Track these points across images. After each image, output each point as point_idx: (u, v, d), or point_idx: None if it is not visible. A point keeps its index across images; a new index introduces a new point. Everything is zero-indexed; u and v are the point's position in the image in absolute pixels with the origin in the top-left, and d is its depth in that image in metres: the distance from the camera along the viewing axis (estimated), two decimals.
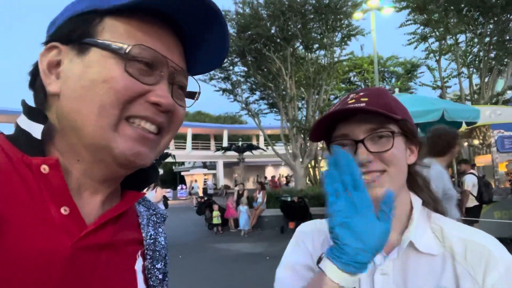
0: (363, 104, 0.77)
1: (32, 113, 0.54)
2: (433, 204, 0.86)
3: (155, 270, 0.65)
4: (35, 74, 0.56)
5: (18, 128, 0.54)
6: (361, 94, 0.81)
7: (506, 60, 12.92)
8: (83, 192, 0.54)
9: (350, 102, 0.80)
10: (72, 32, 0.53)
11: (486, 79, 13.07)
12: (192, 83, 0.63)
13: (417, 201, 0.83)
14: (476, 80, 13.76)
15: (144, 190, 0.67)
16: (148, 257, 0.64)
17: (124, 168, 0.55)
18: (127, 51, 0.52)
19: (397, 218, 0.79)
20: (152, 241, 0.65)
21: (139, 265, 0.61)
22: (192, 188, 25.64)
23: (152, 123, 0.54)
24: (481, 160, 9.04)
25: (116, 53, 0.52)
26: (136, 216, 0.66)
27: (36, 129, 0.53)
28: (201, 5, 0.53)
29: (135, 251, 0.62)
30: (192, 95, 0.62)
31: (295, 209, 10.16)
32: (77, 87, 0.51)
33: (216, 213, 11.12)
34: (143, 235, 0.64)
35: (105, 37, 0.52)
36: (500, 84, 13.97)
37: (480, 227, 7.05)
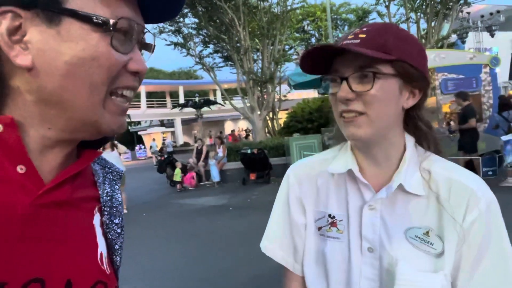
0: (357, 41, 0.75)
1: None
2: (434, 147, 0.86)
3: (113, 225, 0.67)
4: None
5: None
6: (363, 29, 0.77)
7: (450, 3, 13.33)
8: (42, 152, 0.54)
9: (349, 37, 0.77)
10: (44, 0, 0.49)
11: (433, 24, 13.49)
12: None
13: (410, 142, 0.83)
14: (423, 25, 14.18)
15: (101, 150, 0.67)
16: (106, 213, 0.65)
17: (103, 136, 0.57)
18: (112, 26, 0.50)
19: (389, 159, 0.82)
20: (108, 198, 0.67)
21: (97, 220, 0.63)
22: (151, 147, 25.23)
23: (132, 90, 0.56)
24: (427, 102, 9.54)
25: (99, 26, 0.50)
26: (92, 174, 0.67)
27: None
28: None
29: (93, 207, 0.63)
30: (147, 47, 0.60)
31: (255, 160, 10.38)
32: (61, 64, 0.49)
33: (177, 170, 11.14)
34: (100, 192, 0.65)
35: (75, 5, 0.49)
36: (445, 28, 14.50)
37: None
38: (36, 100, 0.51)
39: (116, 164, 0.76)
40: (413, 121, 0.84)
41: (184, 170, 11.52)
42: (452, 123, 7.95)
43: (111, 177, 0.70)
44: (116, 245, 0.67)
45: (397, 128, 0.82)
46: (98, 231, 0.62)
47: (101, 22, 0.50)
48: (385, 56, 0.73)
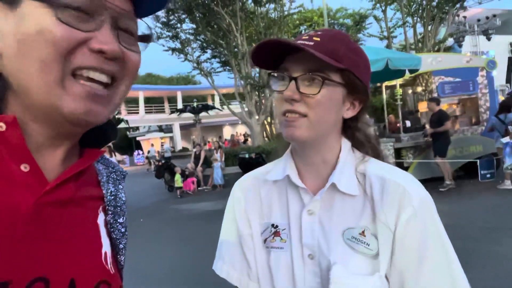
0: (311, 43, 0.75)
1: None
2: (372, 152, 0.87)
3: (118, 224, 0.66)
4: None
5: None
6: (318, 33, 0.78)
7: (446, 8, 13.42)
8: (43, 150, 0.53)
9: (304, 38, 0.78)
10: None
11: (429, 28, 13.57)
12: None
13: (345, 145, 0.84)
14: (420, 29, 14.25)
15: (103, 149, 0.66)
16: (110, 212, 0.65)
17: (78, 127, 0.53)
18: None
19: (326, 163, 0.83)
20: (112, 197, 0.66)
21: (101, 219, 0.62)
22: (149, 152, 25.21)
23: (101, 73, 0.51)
24: (424, 106, 9.56)
25: (47, 2, 0.48)
26: (95, 174, 0.66)
27: None
28: None
29: (97, 206, 0.63)
30: (145, 39, 0.59)
31: (253, 165, 10.37)
32: (14, 43, 0.48)
33: (178, 176, 11.13)
34: (104, 192, 0.65)
35: None
36: (442, 32, 14.58)
37: (422, 168, 7.62)
38: (14, 89, 0.50)
39: None
40: (351, 131, 0.86)
41: (183, 175, 11.50)
42: (427, 126, 8.05)
43: (115, 176, 0.70)
44: (121, 245, 0.66)
45: (335, 134, 0.83)
46: (102, 231, 0.62)
47: None
48: (336, 63, 0.74)
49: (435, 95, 8.68)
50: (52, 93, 0.49)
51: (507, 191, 6.71)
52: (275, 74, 0.81)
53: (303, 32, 20.30)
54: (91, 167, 0.65)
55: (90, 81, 0.51)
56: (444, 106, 8.96)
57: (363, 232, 0.76)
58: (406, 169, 7.70)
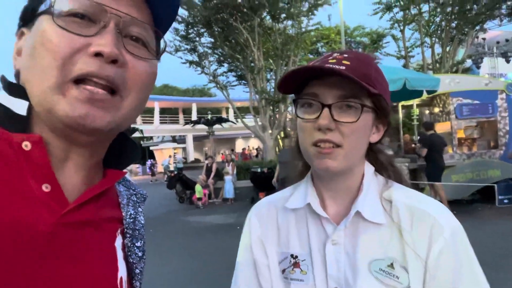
0: (343, 67, 0.70)
1: (13, 89, 0.53)
2: (394, 176, 0.84)
3: (135, 248, 0.65)
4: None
5: None
6: (345, 56, 0.74)
7: (466, 29, 13.33)
8: (64, 167, 0.53)
9: (330, 61, 0.73)
10: (28, 11, 0.53)
11: (448, 48, 13.48)
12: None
13: (369, 170, 0.81)
14: (438, 49, 14.16)
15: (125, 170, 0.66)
16: (128, 235, 0.64)
17: (80, 133, 0.51)
18: (53, 3, 0.49)
19: (349, 189, 0.79)
20: (132, 220, 0.65)
21: (118, 242, 0.61)
22: (163, 164, 25.46)
23: (100, 78, 0.50)
24: (441, 127, 9.43)
25: (47, 11, 0.50)
26: (116, 195, 0.66)
27: (16, 105, 0.51)
28: None
29: (115, 228, 0.62)
30: (160, 51, 0.59)
31: (265, 179, 10.31)
32: (26, 58, 0.51)
33: (199, 187, 11.16)
34: (123, 214, 0.64)
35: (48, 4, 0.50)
36: (460, 53, 14.46)
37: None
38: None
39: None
40: (374, 154, 0.84)
41: (193, 187, 11.50)
42: (418, 145, 7.99)
43: (135, 199, 0.69)
44: (137, 270, 0.65)
45: (362, 160, 0.81)
46: (119, 254, 0.61)
47: (47, 4, 0.50)
48: (373, 89, 0.71)
49: (453, 116, 8.56)
50: (50, 99, 0.49)
51: None
52: (305, 101, 0.76)
53: (319, 49, 20.41)
54: (112, 188, 0.64)
55: (92, 85, 0.50)
56: (462, 128, 8.83)
57: (391, 264, 0.72)
58: (421, 190, 7.55)
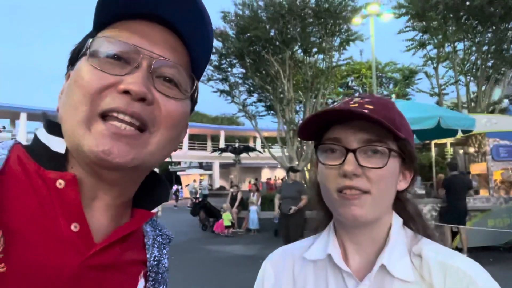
0: (367, 111, 0.68)
1: (52, 127, 0.54)
2: (423, 230, 0.78)
3: None
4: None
5: (37, 140, 0.54)
6: (367, 100, 0.72)
7: (503, 69, 13.00)
8: (93, 206, 0.53)
9: (352, 105, 0.71)
10: (73, 56, 0.56)
11: (483, 88, 13.13)
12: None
13: (397, 220, 0.76)
14: (473, 88, 13.83)
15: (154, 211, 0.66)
16: (151, 279, 0.62)
17: (105, 169, 0.51)
18: (88, 45, 0.52)
19: (375, 241, 0.74)
20: (155, 262, 0.64)
21: (141, 286, 0.60)
22: (187, 185, 25.62)
23: (125, 114, 0.50)
24: (477, 168, 9.05)
25: (85, 53, 0.52)
26: (142, 235, 0.65)
27: (54, 143, 0.53)
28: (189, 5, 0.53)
29: (138, 271, 0.60)
30: (192, 94, 0.60)
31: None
32: (63, 96, 0.53)
33: (227, 215, 11.14)
34: (147, 256, 0.63)
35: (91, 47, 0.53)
36: (497, 93, 14.05)
37: (473, 234, 7.06)
38: None
39: None
40: (401, 204, 0.78)
41: (218, 215, 11.45)
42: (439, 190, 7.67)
43: (161, 240, 0.68)
44: None
45: (389, 209, 0.76)
46: None
47: (85, 46, 0.53)
48: (400, 134, 0.68)
49: (489, 157, 8.23)
50: (77, 133, 0.49)
51: None
52: (329, 146, 0.73)
53: (350, 83, 20.42)
54: (139, 228, 0.63)
55: (118, 121, 0.50)
56: (498, 170, 8.43)
57: None
58: (454, 234, 7.17)
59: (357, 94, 0.78)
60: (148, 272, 0.62)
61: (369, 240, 0.74)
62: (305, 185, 7.53)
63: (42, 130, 0.55)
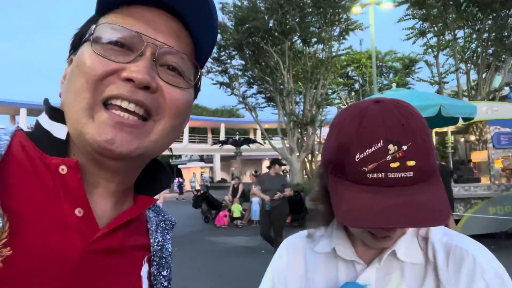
0: (410, 174, 0.61)
1: (53, 113, 0.54)
2: None
3: (161, 277, 0.64)
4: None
5: (39, 126, 0.54)
6: (404, 149, 0.61)
7: (504, 56, 12.92)
8: (96, 193, 0.54)
9: (392, 165, 0.61)
10: (76, 40, 0.55)
11: (484, 75, 13.07)
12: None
13: None
14: (473, 76, 13.77)
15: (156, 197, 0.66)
16: (155, 263, 0.63)
17: (108, 158, 0.51)
18: (92, 32, 0.51)
19: None
20: (159, 247, 0.64)
21: (144, 271, 0.60)
22: (191, 181, 25.72)
23: (130, 102, 0.50)
24: (477, 156, 9.05)
25: (88, 38, 0.52)
26: (145, 221, 0.65)
27: (56, 129, 0.53)
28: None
29: (142, 256, 0.61)
30: (196, 83, 0.59)
31: (291, 203, 10.15)
32: (66, 82, 0.53)
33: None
34: (151, 241, 0.63)
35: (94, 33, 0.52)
36: (497, 80, 13.99)
37: (474, 222, 7.10)
38: None
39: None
40: None
41: (220, 207, 11.50)
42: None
43: (164, 225, 0.68)
44: None
45: None
46: (145, 283, 0.60)
47: (88, 32, 0.53)
48: (434, 181, 0.64)
49: (490, 145, 8.21)
50: (80, 121, 0.49)
51: None
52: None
53: (350, 73, 20.30)
54: (141, 213, 0.64)
55: (123, 111, 0.50)
56: (500, 158, 8.43)
57: None
58: (455, 222, 7.19)
59: (390, 135, 0.62)
60: (152, 257, 0.62)
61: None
62: (305, 176, 7.39)
63: (44, 116, 0.55)
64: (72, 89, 0.51)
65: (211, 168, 36.25)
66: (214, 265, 6.74)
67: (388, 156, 0.61)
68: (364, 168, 0.62)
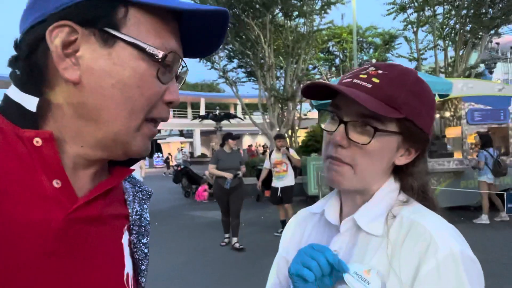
0: (369, 85, 0.69)
1: (26, 86, 0.52)
2: (422, 199, 0.78)
3: (141, 244, 0.66)
4: (34, 47, 0.51)
5: (7, 99, 0.53)
6: (379, 72, 0.71)
7: (480, 33, 13.14)
8: (77, 168, 0.55)
9: (362, 76, 0.71)
10: (93, 16, 0.50)
11: (461, 52, 13.30)
12: None
13: (389, 185, 0.77)
14: (451, 53, 14.00)
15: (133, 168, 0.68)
16: (134, 232, 0.65)
17: (127, 158, 0.57)
18: (161, 58, 0.52)
19: (365, 201, 0.77)
20: (138, 217, 0.66)
21: (125, 239, 0.63)
22: (176, 158, 25.42)
23: (163, 120, 0.58)
24: (451, 132, 9.32)
25: (149, 56, 0.52)
26: (122, 192, 0.67)
27: (28, 102, 0.52)
28: (219, 17, 0.57)
29: (122, 225, 0.63)
30: (179, 79, 0.61)
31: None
32: (107, 85, 0.51)
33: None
34: (129, 210, 0.65)
35: (131, 32, 0.51)
36: (473, 58, 14.27)
37: (446, 195, 7.38)
38: (74, 114, 0.52)
39: (135, 174, 0.74)
40: (403, 175, 0.78)
41: (199, 182, 11.52)
42: None
43: (141, 196, 0.70)
44: (142, 266, 0.67)
45: (384, 179, 0.77)
46: (126, 251, 0.62)
47: (152, 53, 0.52)
48: (393, 113, 0.68)
49: (464, 121, 8.46)
50: (129, 135, 0.54)
51: None
52: (327, 111, 0.78)
53: (330, 48, 20.26)
54: (118, 185, 0.65)
55: (154, 123, 0.57)
56: (472, 134, 8.71)
57: (369, 270, 0.68)
58: None
59: (374, 62, 0.79)
60: (131, 226, 0.65)
61: (359, 202, 0.78)
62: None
63: (13, 88, 0.53)
64: (128, 105, 0.52)
65: (191, 143, 36.03)
66: (195, 239, 6.83)
67: (363, 71, 0.73)
68: (343, 79, 0.74)
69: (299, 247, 0.78)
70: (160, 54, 0.52)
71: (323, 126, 0.77)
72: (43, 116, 0.52)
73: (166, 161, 26.61)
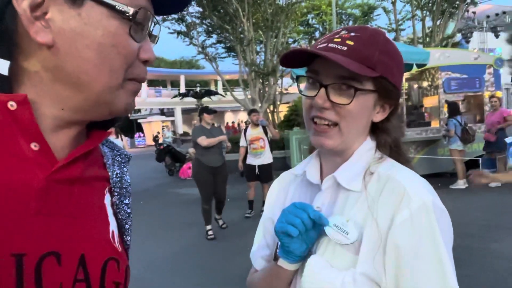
0: (344, 48, 0.72)
1: None
2: (396, 159, 0.82)
3: (123, 205, 0.68)
4: (1, 12, 0.50)
5: None
6: (352, 34, 0.75)
7: (457, 2, 13.24)
8: (53, 130, 0.54)
9: (335, 40, 0.75)
10: None
11: (438, 22, 13.41)
12: None
13: (366, 144, 0.82)
14: (428, 23, 14.09)
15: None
16: (116, 193, 0.66)
17: (113, 116, 0.58)
18: (132, 15, 0.52)
19: (344, 160, 0.81)
20: (118, 179, 0.68)
21: (107, 200, 0.64)
22: (165, 135, 25.01)
23: (142, 80, 0.58)
24: (429, 101, 9.50)
25: (119, 14, 0.52)
26: (101, 156, 0.67)
27: (0, 66, 0.51)
28: None
29: (103, 187, 0.64)
30: (152, 37, 0.61)
31: None
32: (81, 46, 0.50)
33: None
34: (109, 173, 0.66)
35: None
36: (450, 28, 14.41)
37: (423, 163, 7.61)
38: (52, 79, 0.52)
39: None
40: (379, 132, 0.84)
41: (183, 160, 11.50)
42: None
43: (120, 159, 0.71)
44: (126, 225, 0.69)
45: (362, 138, 0.82)
46: (109, 211, 0.64)
47: (122, 10, 0.51)
48: (370, 72, 0.72)
49: (441, 91, 8.63)
50: (112, 94, 0.54)
51: (507, 190, 6.71)
52: (305, 78, 0.80)
53: (310, 21, 20.06)
54: (97, 149, 0.67)
55: (135, 82, 0.58)
56: None
57: (347, 221, 0.73)
58: None
59: (347, 26, 0.80)
60: (113, 188, 0.66)
61: (341, 163, 0.82)
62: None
63: None
64: (106, 66, 0.52)
65: (173, 122, 35.62)
66: (181, 216, 6.89)
67: (337, 35, 0.76)
68: (318, 44, 0.77)
69: (283, 207, 0.82)
70: (131, 11, 0.52)
71: (302, 92, 0.81)
72: (19, 80, 0.52)
73: (155, 139, 26.33)
